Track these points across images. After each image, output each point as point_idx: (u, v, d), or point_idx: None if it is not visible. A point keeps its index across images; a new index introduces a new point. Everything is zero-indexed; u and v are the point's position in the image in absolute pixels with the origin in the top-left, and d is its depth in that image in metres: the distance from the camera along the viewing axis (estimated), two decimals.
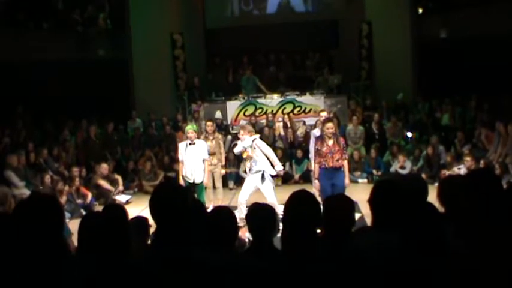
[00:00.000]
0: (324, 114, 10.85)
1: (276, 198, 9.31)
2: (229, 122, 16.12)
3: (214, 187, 11.13)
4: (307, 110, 16.09)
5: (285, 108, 16.10)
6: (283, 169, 10.44)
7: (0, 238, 2.83)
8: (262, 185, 9.62)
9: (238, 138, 10.14)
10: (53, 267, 2.70)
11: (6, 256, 2.75)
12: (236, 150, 10.08)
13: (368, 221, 4.66)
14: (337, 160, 8.86)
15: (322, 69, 18.25)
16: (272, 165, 9.76)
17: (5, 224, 2.91)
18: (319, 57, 19.24)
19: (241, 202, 9.57)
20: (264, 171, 9.62)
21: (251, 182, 9.75)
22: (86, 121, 15.27)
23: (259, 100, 16.37)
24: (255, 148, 9.67)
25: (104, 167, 13.02)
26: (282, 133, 15.10)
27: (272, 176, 9.79)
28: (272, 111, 15.95)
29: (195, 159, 10.02)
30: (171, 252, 2.87)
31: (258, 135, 10.16)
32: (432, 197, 3.87)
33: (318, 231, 3.49)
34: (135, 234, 3.61)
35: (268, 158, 9.71)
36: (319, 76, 18.01)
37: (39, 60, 15.69)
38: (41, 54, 15.91)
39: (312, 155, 10.04)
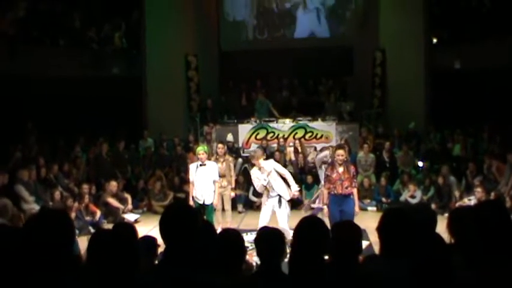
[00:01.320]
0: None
1: (288, 225, 9.10)
2: (240, 145, 16.12)
3: (223, 209, 11.10)
4: (318, 136, 16.11)
5: (296, 133, 16.12)
6: (299, 189, 10.28)
7: (11, 252, 2.84)
8: (278, 209, 9.48)
9: (249, 162, 9.99)
10: (62, 282, 2.71)
11: (16, 270, 2.76)
12: (259, 188, 9.72)
13: (376, 248, 4.65)
14: (347, 187, 8.84)
15: (330, 95, 18.30)
16: (288, 185, 9.62)
17: (15, 238, 2.92)
18: (332, 83, 19.27)
19: None
20: (280, 196, 9.49)
21: (270, 206, 9.56)
22: (103, 138, 15.30)
23: (271, 124, 16.40)
24: (270, 172, 9.48)
25: (113, 185, 13.04)
26: (293, 158, 15.08)
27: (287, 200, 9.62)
28: (283, 135, 15.96)
29: (205, 181, 9.98)
30: (178, 272, 2.87)
31: (272, 160, 10.03)
32: (442, 227, 3.85)
33: (326, 257, 3.49)
34: (143, 254, 3.62)
35: (284, 179, 9.56)
36: (326, 101, 18.07)
37: (55, 76, 15.84)
38: (56, 70, 16.06)
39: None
